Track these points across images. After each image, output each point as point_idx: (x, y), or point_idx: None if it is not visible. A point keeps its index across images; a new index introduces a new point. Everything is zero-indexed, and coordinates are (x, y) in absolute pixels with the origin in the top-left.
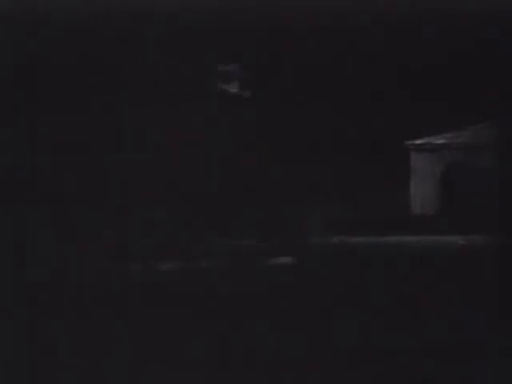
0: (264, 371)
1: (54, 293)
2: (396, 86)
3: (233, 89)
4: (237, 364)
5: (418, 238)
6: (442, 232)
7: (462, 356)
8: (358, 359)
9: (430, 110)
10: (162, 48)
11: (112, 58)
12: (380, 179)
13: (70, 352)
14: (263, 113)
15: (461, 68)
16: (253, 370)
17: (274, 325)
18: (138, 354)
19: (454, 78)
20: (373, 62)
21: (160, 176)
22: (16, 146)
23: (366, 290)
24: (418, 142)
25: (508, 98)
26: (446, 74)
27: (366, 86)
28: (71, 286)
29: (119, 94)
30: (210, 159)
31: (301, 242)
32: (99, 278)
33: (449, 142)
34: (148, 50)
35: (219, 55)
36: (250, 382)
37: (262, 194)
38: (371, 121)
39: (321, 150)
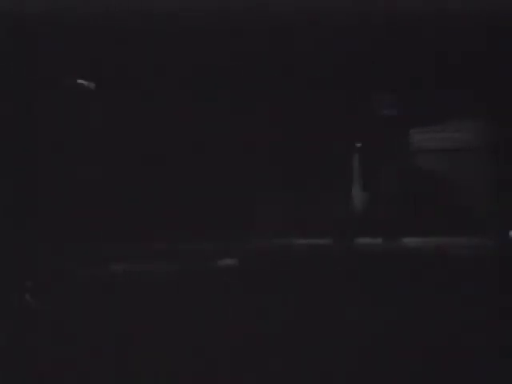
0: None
1: None
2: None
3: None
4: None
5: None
6: (365, 234)
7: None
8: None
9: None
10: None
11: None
12: (311, 181)
13: None
14: None
15: (394, 67)
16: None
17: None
18: None
19: (389, 78)
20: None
21: None
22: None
23: (299, 293)
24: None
25: (438, 100)
26: (380, 72)
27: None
28: None
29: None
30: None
31: (245, 244)
32: None
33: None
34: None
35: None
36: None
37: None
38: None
39: (260, 150)
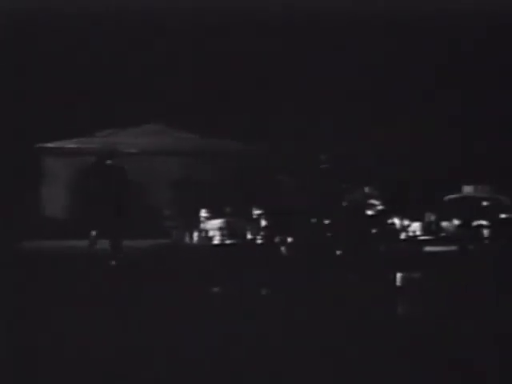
0: None
1: None
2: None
3: None
4: None
5: (51, 243)
6: (74, 236)
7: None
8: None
9: (66, 114)
10: None
11: None
12: (11, 181)
13: None
14: None
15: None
16: None
17: None
18: None
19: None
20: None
21: None
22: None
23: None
24: (49, 145)
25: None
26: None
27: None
28: None
29: None
30: None
31: None
32: None
33: (80, 146)
34: None
35: None
36: None
37: None
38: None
39: None
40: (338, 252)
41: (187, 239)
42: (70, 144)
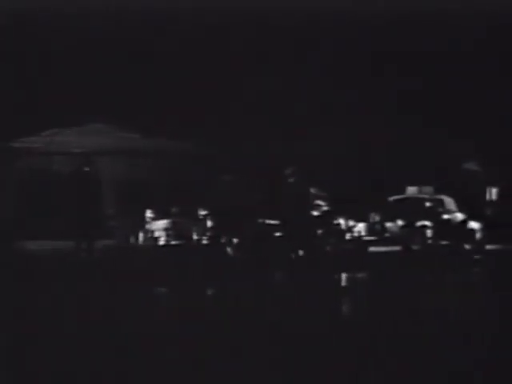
0: None
1: None
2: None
3: None
4: None
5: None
6: (20, 238)
7: None
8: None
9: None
10: None
11: None
12: None
13: None
14: None
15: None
16: None
17: None
18: None
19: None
20: None
21: None
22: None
23: None
24: None
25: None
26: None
27: None
28: None
29: None
30: None
31: None
32: None
33: (26, 146)
34: None
35: None
36: None
37: None
38: None
39: None
40: (284, 252)
41: (132, 240)
42: (15, 144)
